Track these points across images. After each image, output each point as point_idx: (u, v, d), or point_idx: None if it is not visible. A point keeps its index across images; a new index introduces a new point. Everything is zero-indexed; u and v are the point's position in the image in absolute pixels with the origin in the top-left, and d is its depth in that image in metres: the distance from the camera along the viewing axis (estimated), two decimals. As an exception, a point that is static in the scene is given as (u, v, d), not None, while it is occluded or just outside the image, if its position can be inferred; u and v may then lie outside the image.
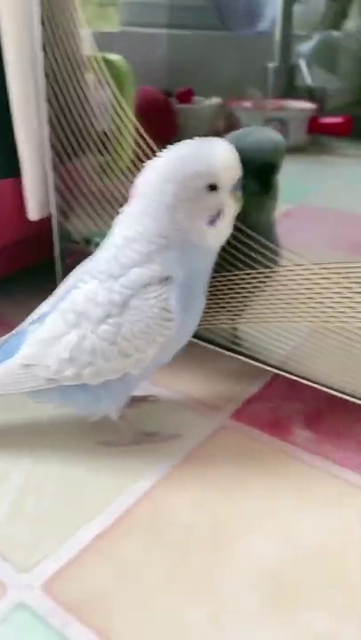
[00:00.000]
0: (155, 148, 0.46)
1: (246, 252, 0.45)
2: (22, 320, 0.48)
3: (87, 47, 0.49)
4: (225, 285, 0.48)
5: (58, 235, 0.59)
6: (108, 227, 0.43)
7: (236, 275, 0.47)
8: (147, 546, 0.40)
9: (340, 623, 0.35)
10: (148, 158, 0.41)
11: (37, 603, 0.37)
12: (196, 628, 0.35)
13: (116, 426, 0.48)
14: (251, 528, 0.42)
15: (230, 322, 0.50)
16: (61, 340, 0.43)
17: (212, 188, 0.39)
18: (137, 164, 0.47)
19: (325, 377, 0.47)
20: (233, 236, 0.43)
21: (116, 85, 0.49)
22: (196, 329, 0.45)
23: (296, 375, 0.49)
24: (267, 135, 0.44)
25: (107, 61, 0.49)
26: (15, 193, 0.59)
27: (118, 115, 0.49)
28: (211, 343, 0.52)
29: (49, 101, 0.53)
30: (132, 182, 0.41)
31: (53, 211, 0.58)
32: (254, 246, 0.45)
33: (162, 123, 0.51)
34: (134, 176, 0.41)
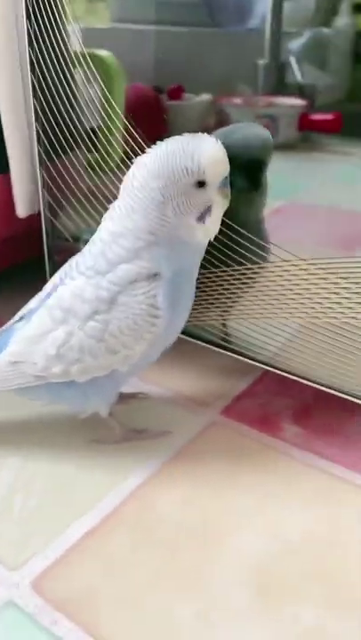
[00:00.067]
0: (144, 145, 0.46)
1: (235, 248, 0.45)
2: (11, 318, 0.47)
3: (75, 43, 0.49)
4: (214, 282, 0.48)
5: (47, 232, 0.59)
6: (98, 224, 0.43)
7: (224, 271, 0.47)
8: (136, 543, 0.40)
9: (328, 617, 0.36)
10: (138, 156, 0.40)
11: (26, 601, 0.37)
12: (186, 625, 0.35)
13: (106, 423, 0.48)
14: (240, 524, 0.42)
15: (219, 318, 0.50)
16: (48, 337, 0.42)
17: (201, 184, 0.39)
18: (126, 161, 0.47)
19: (315, 373, 0.47)
20: (222, 233, 0.43)
21: (105, 82, 0.49)
22: (186, 325, 0.45)
23: (285, 371, 0.49)
24: (254, 132, 0.44)
25: (95, 57, 0.49)
26: (3, 190, 0.59)
27: (107, 111, 0.49)
28: (200, 340, 0.52)
29: (36, 97, 0.53)
30: (121, 180, 0.41)
31: (42, 208, 0.58)
32: (243, 243, 0.45)
33: (152, 120, 0.50)
34: (124, 174, 0.41)
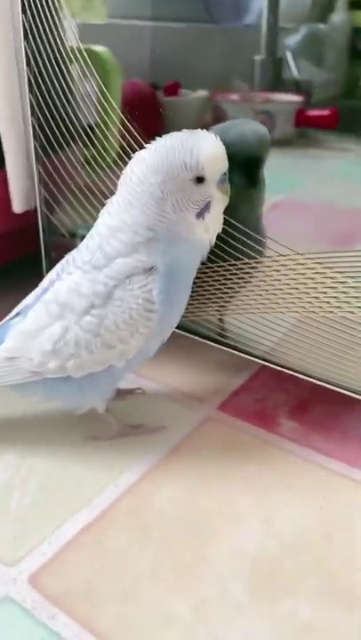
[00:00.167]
0: (141, 141, 0.46)
1: (232, 243, 0.45)
2: (7, 314, 0.47)
3: (72, 38, 0.49)
4: (211, 277, 0.48)
5: (43, 228, 0.59)
6: (94, 220, 0.43)
7: (221, 266, 0.47)
8: (133, 538, 0.40)
9: (325, 611, 0.36)
10: (135, 152, 0.40)
11: (23, 596, 0.37)
12: (182, 620, 0.35)
13: (102, 419, 0.48)
14: (237, 519, 0.42)
15: (216, 313, 0.50)
16: (44, 332, 0.42)
17: (200, 180, 0.39)
18: (123, 157, 0.47)
19: (312, 367, 0.47)
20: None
21: (101, 77, 0.49)
22: (182, 320, 0.45)
23: (282, 366, 0.49)
24: (251, 128, 0.44)
25: (92, 53, 0.49)
26: (0, 185, 0.58)
27: (104, 107, 0.49)
28: (197, 335, 0.52)
29: (32, 92, 0.53)
30: (118, 176, 0.41)
31: (38, 203, 0.58)
32: (241, 238, 0.45)
33: (149, 116, 0.50)
34: (120, 169, 0.41)
